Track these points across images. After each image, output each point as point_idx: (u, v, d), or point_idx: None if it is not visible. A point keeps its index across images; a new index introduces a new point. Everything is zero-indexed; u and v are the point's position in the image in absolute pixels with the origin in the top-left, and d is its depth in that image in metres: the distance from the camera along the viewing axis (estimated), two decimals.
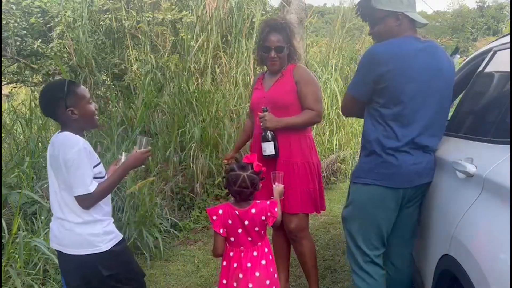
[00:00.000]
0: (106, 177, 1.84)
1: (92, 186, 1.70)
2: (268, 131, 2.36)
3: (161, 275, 3.13)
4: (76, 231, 1.74)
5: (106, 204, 1.83)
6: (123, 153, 1.98)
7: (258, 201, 1.97)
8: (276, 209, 1.95)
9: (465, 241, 1.45)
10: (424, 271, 1.93)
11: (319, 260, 3.24)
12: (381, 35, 1.92)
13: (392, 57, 1.78)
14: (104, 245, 1.76)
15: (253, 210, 1.92)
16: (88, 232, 1.74)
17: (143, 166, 1.99)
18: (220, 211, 1.94)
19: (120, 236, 1.85)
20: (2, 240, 2.68)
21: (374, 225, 1.91)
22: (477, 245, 1.37)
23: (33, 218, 2.91)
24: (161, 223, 3.63)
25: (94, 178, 1.74)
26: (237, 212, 1.92)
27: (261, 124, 2.36)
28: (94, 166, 1.75)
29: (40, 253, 2.65)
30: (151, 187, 3.69)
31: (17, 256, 2.58)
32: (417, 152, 1.83)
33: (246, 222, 1.92)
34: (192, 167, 4.22)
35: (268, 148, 2.37)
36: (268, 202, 1.97)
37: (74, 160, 1.67)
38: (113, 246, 1.79)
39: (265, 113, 2.35)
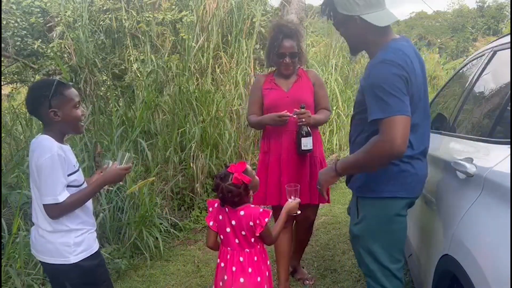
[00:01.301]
0: (84, 185, 1.75)
1: (62, 196, 1.62)
2: (305, 127, 2.48)
3: (161, 275, 3.13)
4: (48, 238, 1.68)
5: (85, 213, 1.75)
6: (109, 161, 1.90)
7: (252, 206, 1.90)
8: (266, 219, 1.83)
9: (465, 241, 1.44)
10: (424, 271, 1.92)
11: (319, 260, 3.24)
12: (346, 37, 1.85)
13: (409, 62, 1.66)
14: (73, 257, 1.67)
15: (242, 212, 1.86)
16: (59, 241, 1.67)
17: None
18: (216, 205, 1.95)
19: (93, 250, 1.75)
20: (2, 240, 2.68)
21: (395, 239, 1.79)
22: (477, 245, 1.37)
23: None
24: (161, 223, 3.63)
25: (69, 186, 1.66)
26: (226, 210, 1.90)
27: (302, 120, 2.45)
28: (70, 174, 1.67)
29: None
30: (151, 187, 3.69)
31: (17, 256, 2.59)
32: (424, 158, 1.79)
33: (233, 222, 1.88)
34: (192, 167, 4.22)
35: (309, 143, 2.49)
36: (261, 209, 1.86)
37: (46, 167, 1.59)
38: (83, 259, 1.69)
39: (305, 109, 2.46)
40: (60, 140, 1.70)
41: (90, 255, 1.73)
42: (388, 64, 1.62)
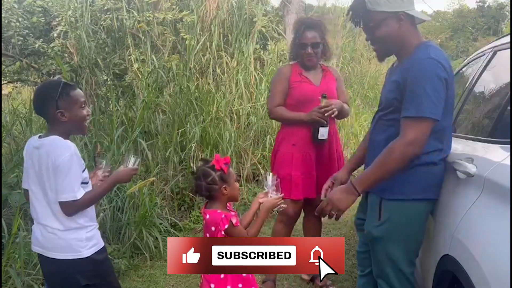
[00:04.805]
0: (89, 182, 1.81)
1: (80, 193, 1.67)
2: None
3: (161, 275, 3.13)
4: (59, 235, 1.71)
5: (92, 209, 1.81)
6: (103, 160, 2.02)
7: (218, 211, 1.81)
8: (226, 226, 1.75)
9: (465, 241, 1.44)
10: (424, 271, 1.92)
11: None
12: (383, 40, 1.74)
13: (450, 65, 1.65)
14: (86, 251, 1.73)
15: (207, 216, 1.81)
16: (71, 237, 1.71)
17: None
18: None
19: (101, 244, 1.81)
20: (2, 240, 2.68)
21: (417, 242, 1.78)
22: (478, 245, 1.37)
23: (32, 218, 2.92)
24: (161, 223, 3.63)
25: (81, 183, 1.71)
26: (204, 222, 1.86)
27: (329, 111, 2.44)
28: (82, 171, 1.73)
29: None
30: (151, 187, 3.69)
31: (17, 256, 2.58)
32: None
33: (204, 222, 1.86)
34: (192, 167, 4.22)
35: (326, 133, 2.52)
36: (223, 216, 1.76)
37: (64, 165, 1.63)
38: (94, 253, 1.75)
39: (330, 100, 2.47)
40: (67, 139, 1.74)
41: (100, 249, 1.80)
42: (434, 64, 1.59)
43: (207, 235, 1.86)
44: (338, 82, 2.69)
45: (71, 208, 1.68)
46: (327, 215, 1.76)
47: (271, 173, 1.95)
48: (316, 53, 2.55)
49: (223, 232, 1.78)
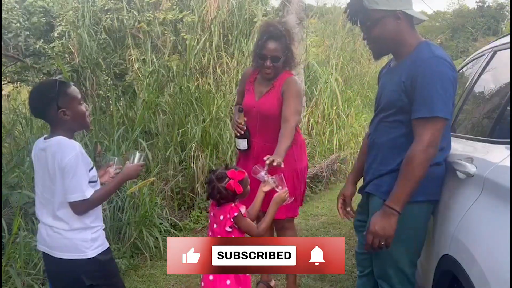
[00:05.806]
0: (98, 180, 1.82)
1: (88, 192, 1.68)
2: (241, 130, 2.45)
3: (161, 275, 3.13)
4: (64, 235, 1.71)
5: (98, 210, 1.81)
6: (115, 158, 2.02)
7: (233, 204, 1.87)
8: (236, 214, 1.81)
9: (465, 241, 1.44)
10: (424, 271, 1.92)
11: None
12: (380, 38, 1.72)
13: (452, 62, 1.64)
14: (91, 252, 1.73)
15: (221, 217, 1.86)
16: (77, 237, 1.71)
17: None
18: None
19: (106, 245, 1.82)
20: (2, 240, 2.68)
21: (420, 243, 1.77)
22: (478, 245, 1.37)
23: (33, 218, 2.91)
24: (161, 223, 3.63)
25: (89, 182, 1.71)
26: (212, 213, 1.92)
27: (240, 131, 2.42)
28: (89, 170, 1.73)
29: (40, 253, 2.65)
30: (151, 187, 3.69)
31: (17, 256, 2.59)
32: None
33: (215, 226, 1.89)
34: (193, 167, 4.22)
35: (242, 144, 2.49)
36: (233, 204, 1.85)
37: (71, 165, 1.64)
38: (99, 254, 1.75)
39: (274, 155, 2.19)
40: (71, 138, 1.74)
41: (105, 250, 1.80)
42: (442, 63, 1.59)
43: (214, 225, 1.89)
44: (285, 95, 2.37)
45: (81, 208, 1.69)
46: (378, 247, 1.66)
47: (255, 166, 2.03)
48: (275, 67, 2.37)
49: (232, 220, 1.83)
